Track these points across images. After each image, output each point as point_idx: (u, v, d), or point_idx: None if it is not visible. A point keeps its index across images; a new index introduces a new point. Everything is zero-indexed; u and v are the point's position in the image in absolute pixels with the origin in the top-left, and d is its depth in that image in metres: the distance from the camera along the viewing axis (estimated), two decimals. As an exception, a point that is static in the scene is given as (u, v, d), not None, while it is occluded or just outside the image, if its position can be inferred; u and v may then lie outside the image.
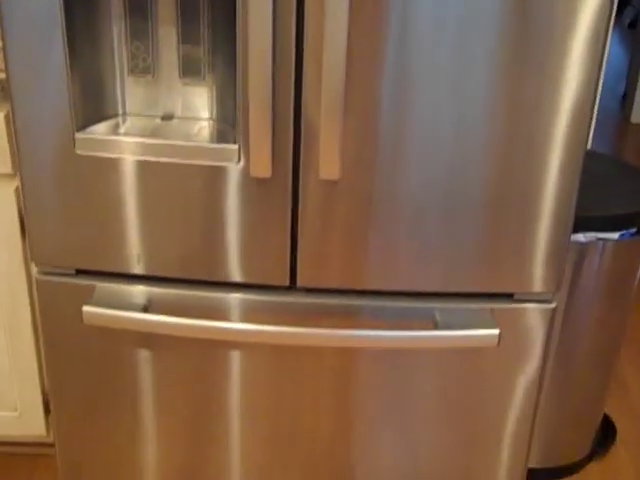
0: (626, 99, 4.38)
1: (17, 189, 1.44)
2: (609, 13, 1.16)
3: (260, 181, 1.24)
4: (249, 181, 1.24)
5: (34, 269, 1.38)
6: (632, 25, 5.52)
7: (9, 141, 1.39)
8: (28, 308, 1.55)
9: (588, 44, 1.17)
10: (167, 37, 1.25)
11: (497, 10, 1.14)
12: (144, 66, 1.26)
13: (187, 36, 1.24)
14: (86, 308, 1.32)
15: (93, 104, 1.26)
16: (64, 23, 1.16)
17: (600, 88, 1.22)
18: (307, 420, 1.45)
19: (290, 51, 1.16)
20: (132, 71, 1.26)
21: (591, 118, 1.22)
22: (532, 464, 1.79)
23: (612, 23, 1.18)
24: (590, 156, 1.25)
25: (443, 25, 1.15)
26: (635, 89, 4.26)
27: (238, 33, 1.15)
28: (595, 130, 1.24)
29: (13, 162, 1.41)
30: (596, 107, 1.22)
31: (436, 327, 1.35)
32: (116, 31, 1.24)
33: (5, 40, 1.18)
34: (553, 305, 1.36)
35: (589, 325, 1.65)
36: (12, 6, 1.16)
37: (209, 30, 1.24)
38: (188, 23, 1.24)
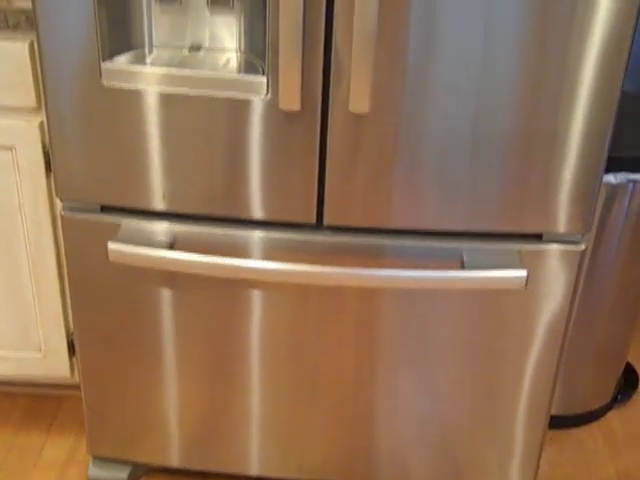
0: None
1: (41, 124, 1.42)
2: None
3: (288, 115, 1.23)
4: (277, 114, 1.23)
5: (59, 205, 1.37)
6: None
7: (33, 74, 1.37)
8: (53, 247, 1.54)
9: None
10: (195, -36, 1.23)
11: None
12: (171, -6, 1.24)
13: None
14: (111, 245, 1.32)
15: (120, 34, 1.24)
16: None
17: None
18: (330, 360, 1.45)
19: (321, -22, 1.14)
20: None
21: (628, 52, 1.19)
22: (552, 411, 1.78)
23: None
24: (623, 94, 1.22)
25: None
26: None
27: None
28: (628, 68, 1.20)
29: (37, 96, 1.39)
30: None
31: (463, 267, 1.34)
32: (143, -44, 1.22)
33: (31, -34, 1.16)
34: (582, 247, 1.34)
35: (616, 269, 1.63)
36: None
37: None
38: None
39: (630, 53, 1.18)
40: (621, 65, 1.20)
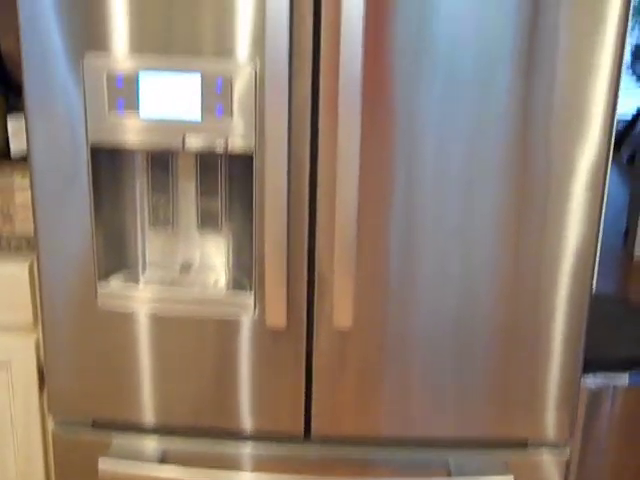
0: (628, 235, 4.31)
1: (37, 340, 1.46)
2: (606, 159, 1.21)
3: (275, 332, 1.27)
4: (264, 332, 1.27)
5: (51, 423, 1.38)
6: (630, 160, 5.46)
7: (32, 293, 1.42)
8: (42, 461, 1.53)
9: (587, 187, 1.21)
10: (186, 190, 1.31)
11: (498, 160, 1.20)
12: (164, 218, 1.31)
13: (205, 189, 1.30)
14: (102, 464, 1.32)
15: (115, 255, 1.30)
16: (91, 177, 1.22)
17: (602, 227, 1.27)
18: None
19: (304, 207, 1.22)
20: (153, 223, 1.32)
21: (595, 261, 1.26)
22: None
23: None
24: (595, 298, 1.29)
25: (447, 177, 1.21)
26: (637, 225, 4.17)
27: (255, 188, 1.21)
28: (598, 267, 1.27)
29: (34, 314, 1.44)
30: (598, 245, 1.26)
31: (449, 475, 1.34)
32: (139, 185, 1.30)
33: (34, 193, 1.24)
34: (567, 452, 1.35)
35: (603, 473, 1.63)
36: (42, 161, 1.23)
37: (226, 183, 1.30)
38: (207, 177, 1.30)
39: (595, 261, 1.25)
40: (590, 273, 1.26)
